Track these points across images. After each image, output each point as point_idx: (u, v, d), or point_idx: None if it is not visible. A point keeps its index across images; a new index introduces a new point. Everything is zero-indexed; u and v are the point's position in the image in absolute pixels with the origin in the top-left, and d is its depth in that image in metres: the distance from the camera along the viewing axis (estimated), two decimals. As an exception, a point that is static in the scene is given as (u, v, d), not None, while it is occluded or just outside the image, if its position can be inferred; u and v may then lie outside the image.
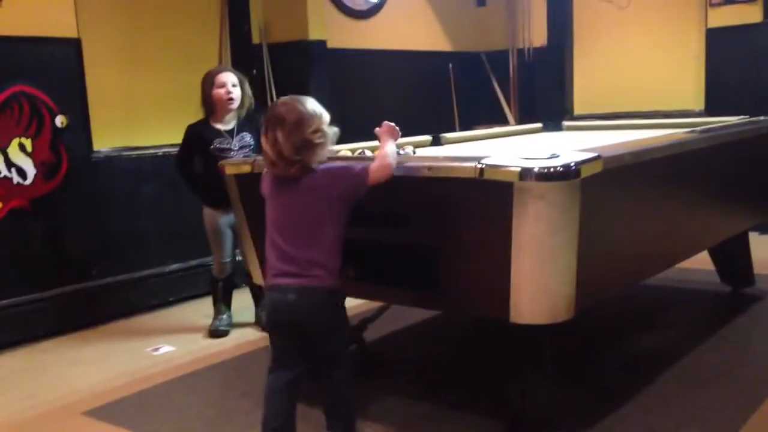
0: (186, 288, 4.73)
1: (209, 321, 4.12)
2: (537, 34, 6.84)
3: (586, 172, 2.33)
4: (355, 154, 3.17)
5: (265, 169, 2.52)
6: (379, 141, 2.62)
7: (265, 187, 2.50)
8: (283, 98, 2.45)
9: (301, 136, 2.34)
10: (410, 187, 2.57)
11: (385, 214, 2.61)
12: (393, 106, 6.11)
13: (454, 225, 2.50)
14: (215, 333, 4.02)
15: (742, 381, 3.08)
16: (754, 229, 4.34)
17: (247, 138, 3.94)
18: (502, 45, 7.00)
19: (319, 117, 2.40)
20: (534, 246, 2.34)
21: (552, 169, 2.27)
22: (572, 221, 2.34)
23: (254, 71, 5.19)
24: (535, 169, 2.27)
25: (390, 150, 2.50)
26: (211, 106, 3.88)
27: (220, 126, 3.91)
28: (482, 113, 6.85)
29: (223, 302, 4.11)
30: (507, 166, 2.31)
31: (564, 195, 2.30)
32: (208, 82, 3.86)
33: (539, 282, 2.38)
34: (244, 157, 3.69)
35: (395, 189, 2.56)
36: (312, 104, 2.42)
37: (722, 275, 4.30)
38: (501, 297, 2.40)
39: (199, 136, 3.87)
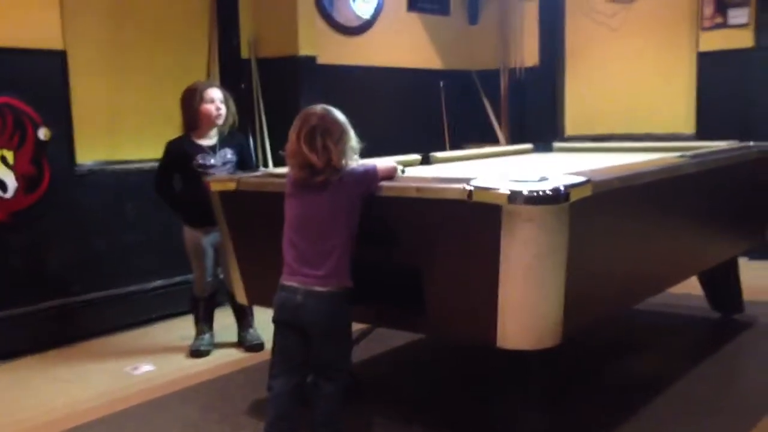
0: (168, 305, 4.64)
1: (191, 340, 4.04)
2: (529, 54, 6.83)
3: (575, 196, 2.32)
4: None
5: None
6: None
7: (287, 188, 2.61)
8: (317, 108, 2.57)
9: (346, 145, 2.52)
10: (398, 207, 2.56)
11: (371, 234, 2.59)
12: (383, 123, 6.05)
13: (441, 247, 2.49)
14: (196, 353, 3.95)
15: (732, 408, 3.06)
16: (744, 254, 4.31)
17: (229, 154, 3.89)
18: (493, 64, 6.99)
19: (350, 127, 2.58)
20: (522, 270, 2.32)
21: (541, 193, 2.26)
22: (561, 245, 2.33)
23: (242, 85, 5.15)
24: (524, 192, 2.26)
25: (391, 163, 2.76)
26: (197, 121, 3.83)
27: (202, 142, 3.86)
28: (472, 132, 6.83)
29: (204, 321, 4.04)
30: (496, 189, 2.29)
31: (553, 219, 2.29)
32: (197, 96, 3.81)
33: (526, 306, 2.36)
34: (228, 173, 3.64)
35: (383, 209, 2.58)
36: (341, 114, 2.59)
37: (712, 301, 4.26)
38: (488, 321, 2.37)
39: (182, 152, 3.81)
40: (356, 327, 3.47)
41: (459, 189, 2.35)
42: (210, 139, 3.88)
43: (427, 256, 2.51)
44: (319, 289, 2.49)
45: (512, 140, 6.57)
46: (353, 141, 2.55)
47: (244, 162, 3.96)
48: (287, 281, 2.54)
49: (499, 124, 6.91)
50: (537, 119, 6.76)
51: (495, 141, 6.74)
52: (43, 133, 4.06)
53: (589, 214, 2.41)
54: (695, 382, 3.34)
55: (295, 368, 2.58)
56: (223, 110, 3.85)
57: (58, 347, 4.14)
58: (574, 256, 2.35)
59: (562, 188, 2.28)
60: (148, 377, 3.68)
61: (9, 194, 3.96)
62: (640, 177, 2.81)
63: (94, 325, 4.34)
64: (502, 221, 2.27)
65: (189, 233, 3.90)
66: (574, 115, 6.78)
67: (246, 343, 4.01)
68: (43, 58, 4.07)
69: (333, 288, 2.50)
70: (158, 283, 4.63)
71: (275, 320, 2.60)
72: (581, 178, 2.41)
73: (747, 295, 4.27)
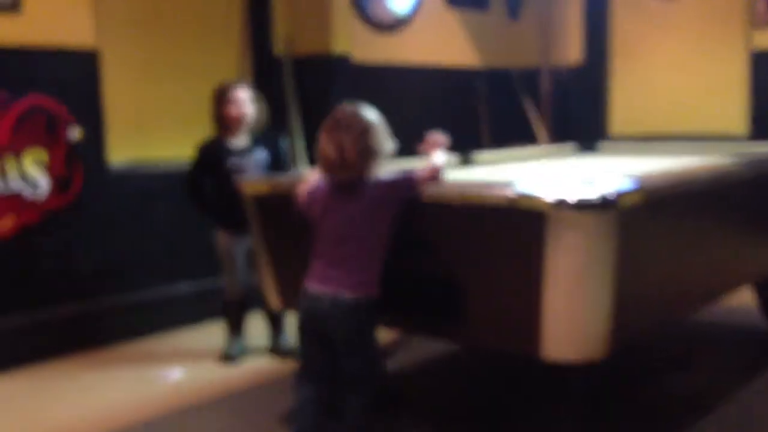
0: (200, 309, 4.57)
1: (221, 345, 3.98)
2: (572, 51, 6.65)
3: (624, 203, 2.25)
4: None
5: (317, 177, 2.59)
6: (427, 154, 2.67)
7: (318, 194, 2.56)
8: (347, 105, 2.55)
9: (367, 144, 2.45)
10: (439, 212, 2.50)
11: (413, 240, 2.54)
12: (419, 122, 5.92)
13: (483, 254, 2.42)
14: (227, 358, 3.88)
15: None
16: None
17: (263, 156, 3.81)
18: (534, 62, 6.82)
19: (382, 128, 2.52)
20: (568, 279, 2.25)
21: (589, 200, 2.18)
22: (609, 254, 2.25)
23: (274, 84, 5.09)
24: (572, 199, 2.18)
25: (440, 161, 2.59)
26: (225, 123, 3.76)
27: (234, 143, 3.79)
28: (512, 132, 6.67)
29: (235, 327, 3.97)
30: (542, 195, 2.21)
31: (601, 226, 2.22)
32: (222, 98, 3.74)
33: (572, 317, 2.28)
34: (261, 175, 3.57)
35: (424, 214, 2.53)
36: (374, 115, 2.53)
37: (766, 313, 4.06)
38: (531, 332, 2.30)
39: (214, 155, 3.75)
40: (394, 335, 3.43)
41: (503, 195, 2.29)
42: (242, 140, 3.81)
43: (469, 264, 2.45)
44: (344, 296, 2.44)
45: (554, 140, 6.41)
46: (381, 144, 2.48)
47: (278, 163, 3.87)
48: (312, 287, 2.51)
49: (541, 122, 6.75)
50: (580, 119, 6.59)
51: (536, 140, 6.58)
52: (75, 133, 4.04)
53: (638, 222, 2.34)
54: (747, 397, 3.21)
55: (321, 377, 2.54)
56: (249, 111, 3.77)
57: (87, 351, 4.10)
58: (622, 265, 2.27)
59: (610, 195, 2.20)
60: (178, 383, 3.64)
61: (42, 195, 3.94)
62: (693, 183, 2.72)
63: (124, 330, 4.29)
64: (548, 228, 2.20)
65: (222, 238, 3.83)
66: (620, 115, 6.58)
67: (278, 349, 3.94)
68: (75, 57, 4.04)
69: (358, 296, 2.45)
70: (189, 286, 4.57)
71: (299, 326, 2.57)
72: (631, 185, 2.32)
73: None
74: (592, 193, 2.19)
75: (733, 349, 3.96)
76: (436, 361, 3.79)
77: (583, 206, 2.16)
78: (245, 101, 3.76)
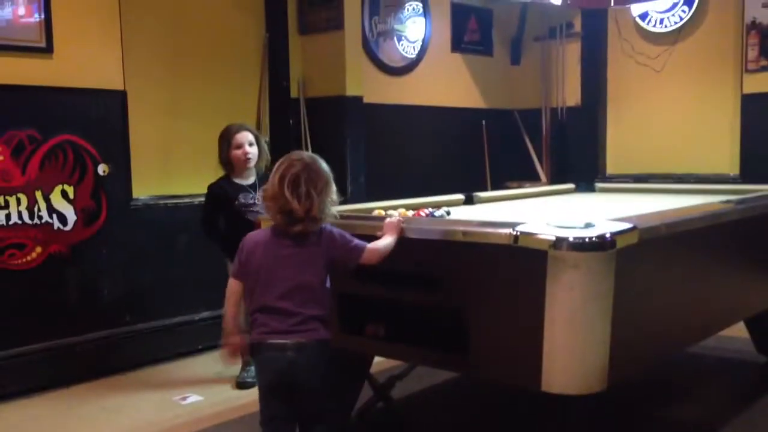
0: (215, 336, 4.69)
1: (237, 371, 4.11)
2: (571, 94, 6.86)
3: (621, 243, 2.31)
4: (386, 213, 3.15)
5: (263, 225, 2.58)
6: (383, 232, 2.63)
7: (258, 248, 2.48)
8: (304, 155, 2.51)
9: (329, 195, 2.45)
10: (444, 249, 2.57)
11: (418, 275, 2.62)
12: (426, 162, 6.16)
13: (486, 289, 2.49)
14: (242, 385, 4.01)
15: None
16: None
17: None
18: (535, 103, 7.03)
19: (332, 179, 2.50)
20: (567, 315, 2.31)
21: (587, 240, 2.26)
22: (606, 291, 2.32)
23: (291, 121, 5.30)
24: (570, 239, 2.25)
25: (387, 242, 2.57)
26: (230, 165, 3.97)
27: (241, 182, 3.99)
28: (514, 170, 6.86)
29: (249, 354, 4.09)
30: (541, 235, 2.30)
31: (598, 265, 2.28)
32: (226, 142, 3.95)
33: (571, 351, 2.34)
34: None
35: (429, 251, 2.60)
36: (327, 165, 2.51)
37: (757, 345, 4.19)
38: (532, 365, 2.36)
39: (224, 194, 3.94)
40: (400, 363, 3.54)
41: (505, 234, 2.35)
42: (248, 179, 4.02)
43: (471, 299, 2.51)
44: (306, 342, 2.39)
45: (553, 179, 6.59)
46: (334, 194, 2.48)
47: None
48: (271, 340, 2.40)
49: (541, 162, 6.94)
50: (578, 158, 6.78)
51: (536, 179, 6.77)
52: (102, 169, 4.23)
53: (635, 261, 2.40)
54: (741, 427, 3.29)
55: (282, 429, 2.50)
56: (253, 153, 3.97)
57: (108, 376, 4.23)
58: (619, 302, 2.33)
59: (608, 235, 2.28)
60: (195, 407, 3.74)
61: (69, 227, 4.10)
62: (687, 224, 2.79)
63: (144, 355, 4.44)
64: (548, 266, 2.27)
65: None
66: (616, 155, 6.78)
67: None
68: (104, 97, 4.23)
69: (319, 339, 2.43)
70: (206, 314, 4.71)
71: (265, 383, 2.48)
72: (627, 225, 2.40)
73: (793, 340, 4.18)
74: (590, 234, 2.26)
75: (726, 379, 4.03)
76: (439, 388, 3.87)
77: (581, 246, 2.23)
78: (248, 143, 3.96)
